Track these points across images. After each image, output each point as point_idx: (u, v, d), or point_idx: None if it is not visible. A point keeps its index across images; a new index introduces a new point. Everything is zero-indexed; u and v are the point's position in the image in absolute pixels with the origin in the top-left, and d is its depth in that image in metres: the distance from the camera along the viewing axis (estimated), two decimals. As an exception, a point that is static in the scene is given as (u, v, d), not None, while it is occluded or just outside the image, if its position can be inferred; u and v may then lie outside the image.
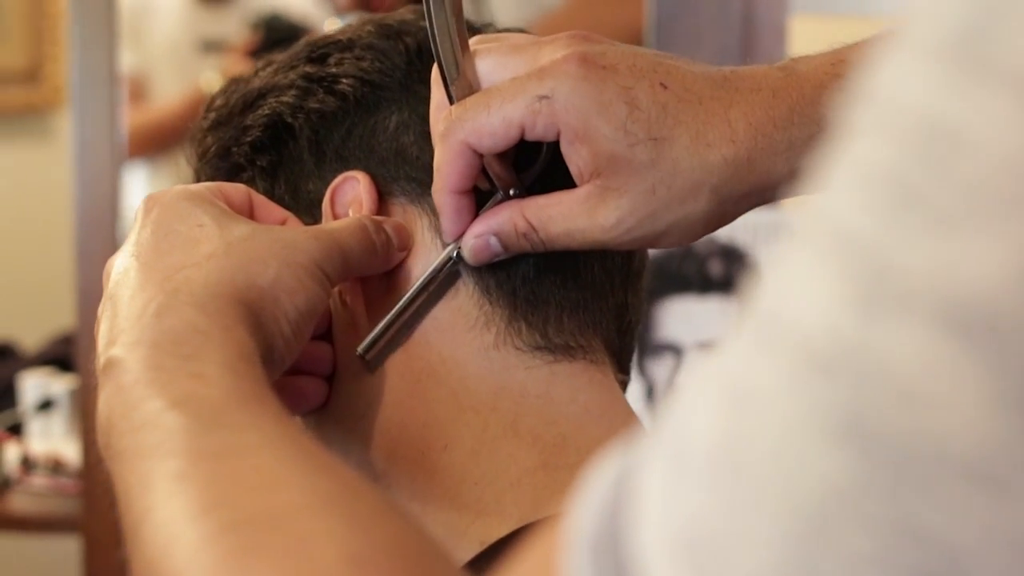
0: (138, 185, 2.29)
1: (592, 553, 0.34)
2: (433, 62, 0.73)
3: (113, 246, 1.74)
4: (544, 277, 0.70)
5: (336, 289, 0.69)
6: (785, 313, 0.31)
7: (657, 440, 0.34)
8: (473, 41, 0.67)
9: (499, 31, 0.76)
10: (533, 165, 0.69)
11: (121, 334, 0.60)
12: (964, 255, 0.28)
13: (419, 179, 0.72)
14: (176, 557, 0.49)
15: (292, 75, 0.76)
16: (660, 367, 1.64)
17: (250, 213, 0.69)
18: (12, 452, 2.10)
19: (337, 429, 0.72)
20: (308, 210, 0.73)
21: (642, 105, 0.64)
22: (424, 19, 0.77)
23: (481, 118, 0.65)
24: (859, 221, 0.30)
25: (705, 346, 1.69)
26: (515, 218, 0.67)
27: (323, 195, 0.73)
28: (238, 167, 0.76)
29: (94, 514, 1.79)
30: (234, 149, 0.77)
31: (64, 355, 2.27)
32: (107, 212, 1.75)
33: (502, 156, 0.67)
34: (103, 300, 0.64)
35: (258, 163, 0.76)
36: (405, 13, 0.79)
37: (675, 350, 1.66)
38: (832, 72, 0.65)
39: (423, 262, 0.71)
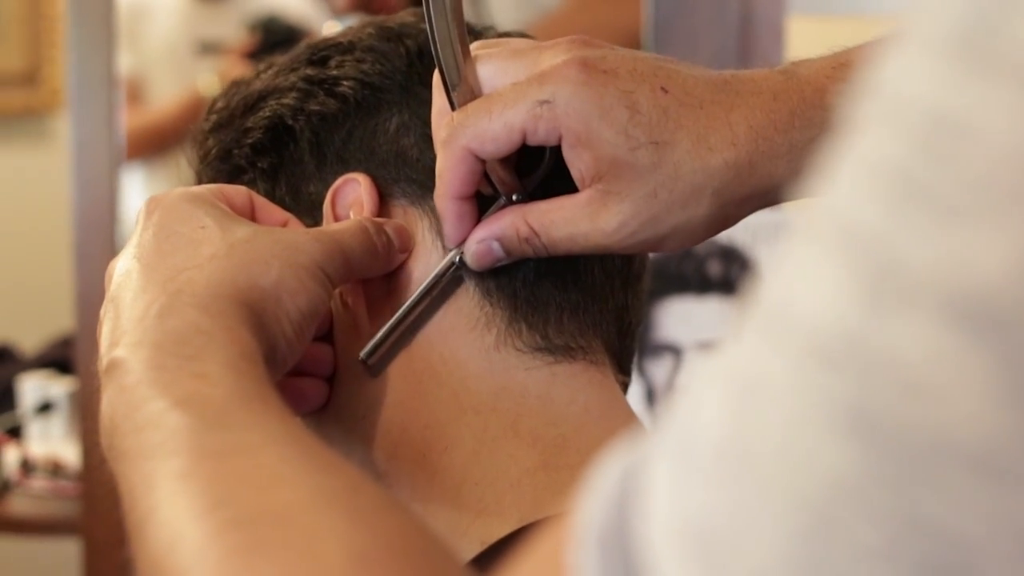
0: (135, 188, 2.29)
1: (599, 547, 0.34)
2: (433, 64, 0.74)
3: (111, 248, 1.74)
4: (544, 279, 0.71)
5: (337, 291, 0.69)
6: (791, 307, 0.31)
7: (663, 434, 0.34)
8: (474, 46, 0.68)
9: (500, 34, 0.76)
10: (534, 171, 0.69)
11: (123, 335, 0.60)
12: (970, 247, 0.28)
13: (420, 181, 0.72)
14: (181, 555, 0.49)
15: (293, 77, 0.76)
16: (659, 367, 1.64)
17: (251, 215, 0.70)
18: (11, 455, 2.11)
19: (338, 430, 0.72)
20: (309, 212, 0.73)
21: (643, 109, 0.64)
22: (425, 22, 0.77)
23: (483, 124, 0.65)
24: (865, 215, 0.30)
25: (704, 346, 1.69)
26: (517, 223, 0.67)
27: (324, 197, 0.73)
28: (239, 169, 0.77)
29: (94, 517, 1.79)
30: (235, 151, 0.77)
31: (63, 357, 2.27)
32: (105, 214, 1.75)
33: (504, 161, 0.67)
34: (105, 302, 0.65)
35: (259, 165, 0.76)
36: (405, 16, 0.79)
37: (674, 350, 1.66)
38: (833, 75, 0.65)
39: (424, 263, 0.71)
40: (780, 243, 0.32)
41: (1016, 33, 0.29)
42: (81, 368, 1.77)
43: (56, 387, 2.13)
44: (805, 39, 1.70)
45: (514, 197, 0.68)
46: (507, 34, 0.77)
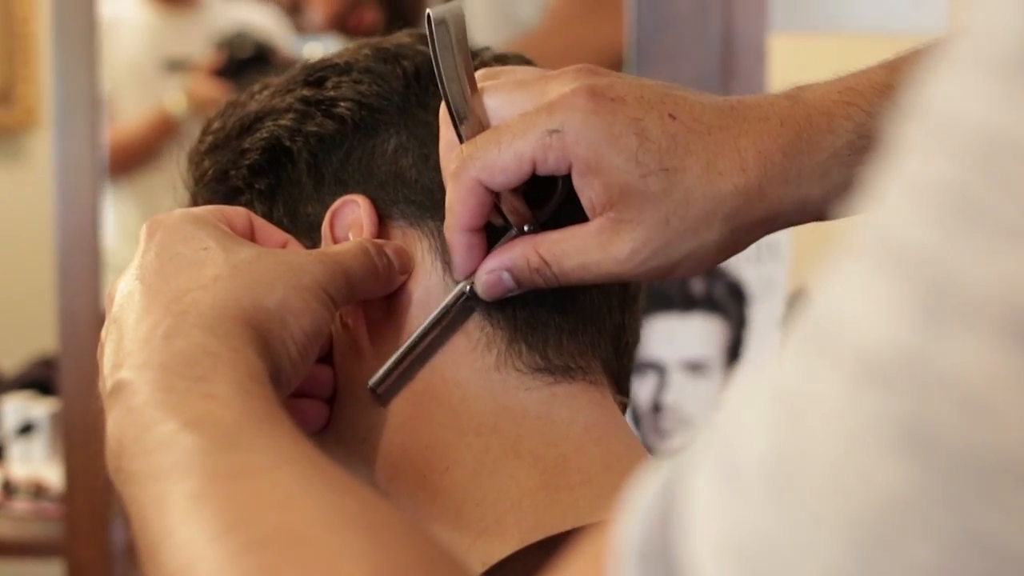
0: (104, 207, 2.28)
1: (640, 561, 0.35)
2: (431, 85, 0.74)
3: (95, 267, 1.74)
4: (543, 300, 0.71)
5: (337, 312, 0.69)
6: (841, 326, 0.31)
7: (704, 451, 0.35)
8: (478, 76, 0.68)
9: (496, 56, 0.77)
10: (544, 201, 0.69)
11: (128, 356, 0.60)
12: None
13: (418, 202, 0.72)
14: None
15: (289, 98, 0.76)
16: (643, 385, 1.64)
17: (251, 236, 0.70)
18: (-7, 477, 2.10)
19: (338, 451, 0.72)
20: (307, 233, 0.73)
21: (652, 136, 0.64)
22: (423, 43, 0.77)
23: (492, 155, 0.65)
24: (919, 235, 0.30)
25: (688, 364, 1.70)
26: (528, 253, 0.67)
27: (322, 218, 0.73)
28: (236, 190, 0.77)
29: (77, 538, 1.78)
30: (232, 172, 0.77)
31: (43, 378, 2.26)
32: (89, 233, 1.74)
33: (514, 192, 0.67)
34: (107, 323, 0.64)
35: (256, 186, 0.76)
36: (402, 37, 0.79)
37: (658, 368, 1.66)
38: (839, 99, 0.66)
39: (424, 284, 0.71)
40: (827, 261, 0.33)
41: None
42: (64, 389, 1.76)
43: (37, 408, 2.12)
44: (787, 57, 1.71)
45: (525, 228, 0.69)
46: (504, 56, 0.77)
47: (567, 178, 0.67)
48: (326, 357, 0.72)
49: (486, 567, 0.65)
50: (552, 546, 0.64)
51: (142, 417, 0.56)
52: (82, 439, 1.75)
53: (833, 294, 0.32)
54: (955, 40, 0.31)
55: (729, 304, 1.70)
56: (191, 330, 0.59)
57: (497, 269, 0.68)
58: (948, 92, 0.31)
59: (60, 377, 1.77)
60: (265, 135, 0.76)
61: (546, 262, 0.67)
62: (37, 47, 3.29)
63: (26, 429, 2.10)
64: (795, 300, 1.72)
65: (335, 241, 0.72)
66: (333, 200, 0.73)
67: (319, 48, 2.67)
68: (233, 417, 0.55)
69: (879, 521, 0.29)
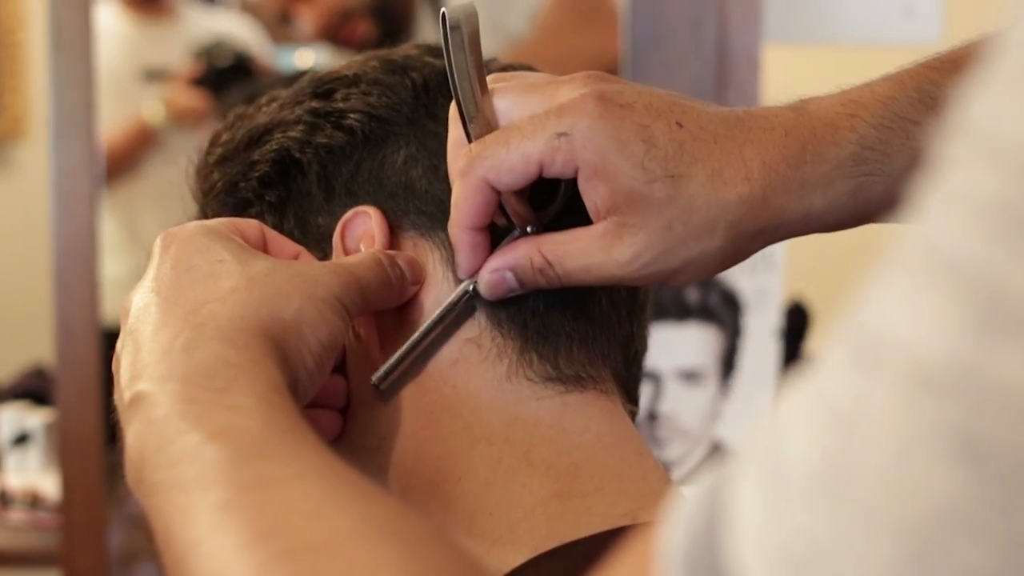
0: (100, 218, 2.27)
1: (686, 566, 0.35)
2: (439, 96, 0.74)
3: (91, 278, 1.74)
4: (553, 309, 0.71)
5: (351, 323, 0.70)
6: (891, 336, 0.32)
7: (750, 460, 0.35)
8: (490, 79, 0.68)
9: (503, 67, 0.77)
10: (547, 204, 0.70)
11: (146, 368, 0.60)
12: None
13: (429, 213, 0.73)
14: None
15: (298, 110, 0.77)
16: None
17: (264, 248, 0.70)
18: (-11, 487, 2.10)
19: (351, 461, 0.71)
20: (317, 244, 0.74)
21: (659, 143, 0.65)
22: (430, 55, 0.78)
23: (500, 155, 0.66)
24: (968, 247, 0.31)
25: (683, 373, 1.70)
26: (531, 254, 0.68)
27: (332, 229, 0.73)
28: (246, 202, 0.77)
29: (73, 548, 1.78)
30: (241, 184, 0.77)
31: (36, 388, 2.26)
32: (86, 243, 1.74)
33: (519, 194, 0.68)
34: (122, 336, 0.64)
35: (266, 198, 0.76)
36: (409, 49, 0.80)
37: (653, 377, 1.67)
38: (842, 111, 0.67)
39: (435, 295, 0.72)
40: (871, 273, 0.33)
41: None
42: (60, 399, 1.76)
43: (32, 418, 2.12)
44: (780, 67, 1.72)
45: (528, 229, 0.69)
46: (512, 66, 0.78)
47: (569, 181, 0.67)
48: (339, 367, 0.72)
49: (500, 576, 0.66)
50: (566, 554, 0.64)
51: (164, 429, 0.56)
52: (78, 449, 1.75)
53: (881, 306, 0.32)
54: (995, 56, 0.32)
55: (724, 313, 1.71)
56: (210, 342, 0.60)
57: (500, 268, 0.68)
58: (993, 108, 0.32)
59: (56, 387, 1.77)
60: (275, 147, 0.76)
61: (549, 263, 0.67)
62: (25, 57, 3.29)
63: (21, 439, 2.10)
64: (788, 309, 1.72)
65: (346, 252, 0.72)
66: (343, 211, 0.73)
67: (310, 55, 2.67)
68: (257, 428, 0.55)
69: (933, 527, 0.30)
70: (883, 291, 0.33)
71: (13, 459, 2.11)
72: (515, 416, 0.70)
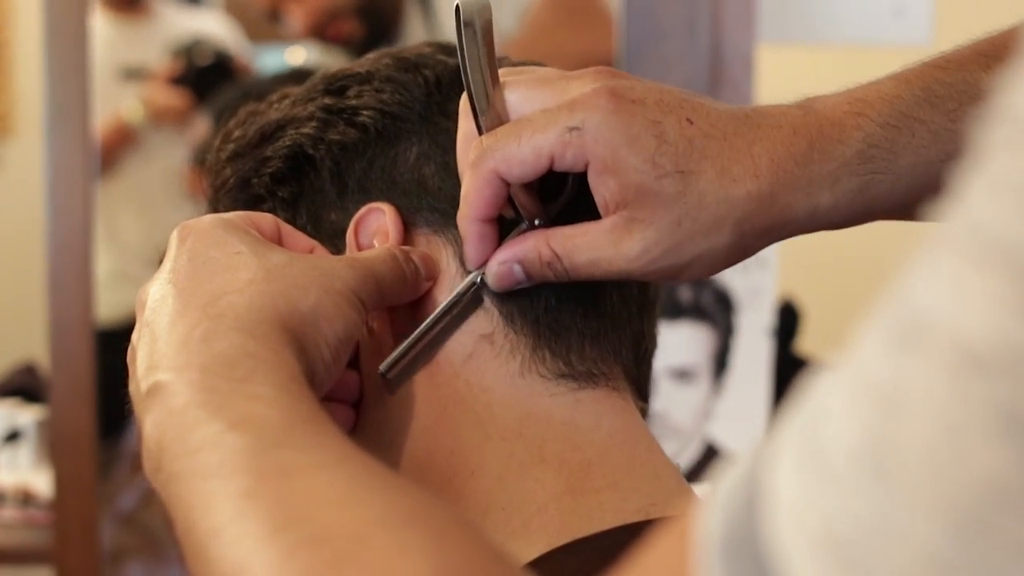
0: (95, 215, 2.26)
1: (725, 551, 0.35)
2: (451, 94, 0.75)
3: (86, 275, 1.73)
4: (565, 306, 0.72)
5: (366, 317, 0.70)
6: (937, 318, 0.32)
7: (786, 442, 0.35)
8: (502, 72, 0.69)
9: (514, 64, 0.77)
10: (556, 197, 0.70)
11: (164, 359, 0.60)
12: None
13: (441, 209, 0.73)
14: (254, 575, 0.49)
15: (311, 107, 0.77)
16: (631, 392, 1.65)
17: (279, 242, 0.70)
18: (-20, 485, 2.09)
19: None
20: (330, 240, 0.74)
21: (670, 139, 0.65)
22: (443, 53, 0.78)
23: (511, 147, 0.66)
24: (1015, 230, 0.31)
25: (675, 371, 1.71)
26: (540, 247, 0.68)
27: (345, 225, 0.74)
28: (258, 198, 0.77)
29: (66, 545, 1.78)
30: (254, 180, 0.77)
31: (27, 385, 2.25)
32: (80, 240, 1.74)
33: (528, 187, 0.68)
34: (138, 327, 0.64)
35: (279, 194, 0.76)
36: (422, 47, 0.80)
37: (646, 375, 1.67)
38: (849, 110, 0.67)
39: (448, 291, 0.72)
40: (914, 253, 0.34)
41: None
42: (53, 396, 1.75)
43: (23, 415, 2.11)
44: (774, 67, 1.73)
45: (536, 222, 0.70)
46: (522, 63, 0.78)
47: (577, 175, 0.68)
48: (352, 361, 0.72)
49: (513, 571, 0.66)
50: (579, 550, 0.65)
51: (184, 418, 0.56)
52: (71, 446, 1.75)
53: (924, 289, 0.33)
54: None
55: (716, 312, 1.71)
56: (229, 332, 0.60)
57: (509, 261, 0.69)
58: None
59: (49, 384, 1.77)
60: (288, 143, 0.76)
61: (557, 256, 0.68)
62: (12, 55, 3.28)
63: (13, 436, 2.10)
64: (778, 309, 1.73)
65: (360, 248, 0.73)
66: (356, 208, 0.74)
67: (301, 52, 2.67)
68: (278, 417, 0.55)
69: (981, 505, 0.30)
70: (926, 274, 0.33)
71: (4, 456, 2.10)
72: (528, 412, 0.70)
